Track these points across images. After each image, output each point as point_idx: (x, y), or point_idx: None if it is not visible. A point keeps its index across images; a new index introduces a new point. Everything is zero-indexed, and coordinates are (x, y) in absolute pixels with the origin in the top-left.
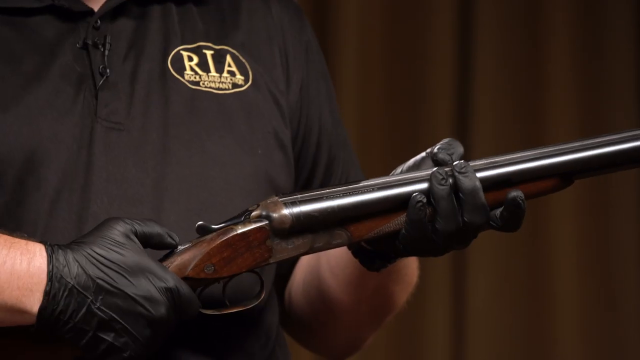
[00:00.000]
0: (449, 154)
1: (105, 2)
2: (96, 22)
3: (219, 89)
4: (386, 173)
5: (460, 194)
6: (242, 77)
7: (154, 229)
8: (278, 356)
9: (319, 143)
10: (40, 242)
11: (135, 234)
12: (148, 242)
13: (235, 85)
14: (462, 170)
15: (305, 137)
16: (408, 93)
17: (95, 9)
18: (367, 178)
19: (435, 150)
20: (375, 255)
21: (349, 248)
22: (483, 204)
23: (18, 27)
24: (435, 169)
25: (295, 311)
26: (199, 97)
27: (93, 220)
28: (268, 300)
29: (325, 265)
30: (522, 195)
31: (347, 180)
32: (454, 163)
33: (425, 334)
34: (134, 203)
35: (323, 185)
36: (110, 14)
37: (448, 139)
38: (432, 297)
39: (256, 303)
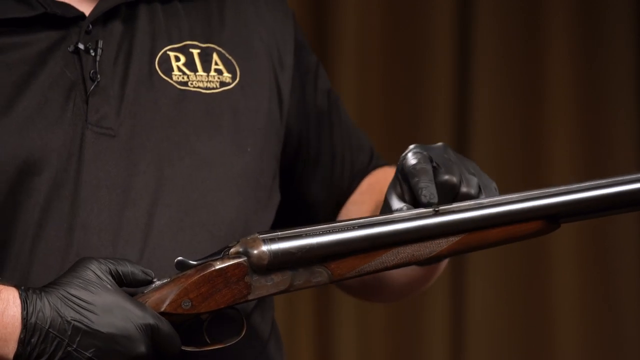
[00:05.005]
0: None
1: (96, 6)
2: (88, 26)
3: (207, 88)
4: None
5: None
6: (230, 75)
7: (127, 267)
8: (270, 353)
9: (320, 134)
10: (15, 286)
11: (110, 273)
12: (123, 280)
13: (222, 84)
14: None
15: (302, 131)
16: (407, 92)
17: (87, 13)
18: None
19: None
20: None
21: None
22: None
23: (10, 37)
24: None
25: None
26: (187, 98)
27: (82, 228)
28: (259, 301)
29: None
30: None
31: (352, 166)
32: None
33: (424, 337)
34: (125, 208)
35: (325, 177)
36: (102, 17)
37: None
38: (431, 298)
39: (237, 340)
